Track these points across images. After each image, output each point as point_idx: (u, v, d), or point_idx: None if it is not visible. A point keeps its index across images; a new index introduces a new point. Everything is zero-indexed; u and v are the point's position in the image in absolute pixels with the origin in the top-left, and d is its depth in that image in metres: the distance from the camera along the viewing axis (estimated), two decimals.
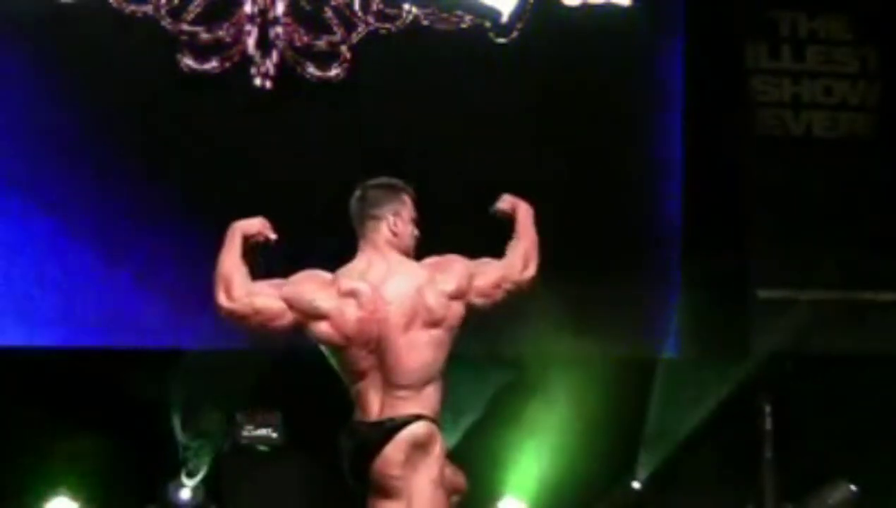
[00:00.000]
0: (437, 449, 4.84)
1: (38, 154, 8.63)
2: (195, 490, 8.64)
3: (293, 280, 4.94)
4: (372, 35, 9.09)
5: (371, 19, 9.10)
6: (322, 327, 4.88)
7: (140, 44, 8.84)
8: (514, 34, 9.22)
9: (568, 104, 9.22)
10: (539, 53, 9.25)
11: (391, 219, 5.02)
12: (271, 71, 8.90)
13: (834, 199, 9.59)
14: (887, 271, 9.48)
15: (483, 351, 7.92)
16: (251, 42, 8.90)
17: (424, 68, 9.13)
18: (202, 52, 8.88)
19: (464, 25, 9.20)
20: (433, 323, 4.88)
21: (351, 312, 4.85)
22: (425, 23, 9.16)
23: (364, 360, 4.86)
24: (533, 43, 9.23)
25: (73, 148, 8.65)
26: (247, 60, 8.90)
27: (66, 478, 8.49)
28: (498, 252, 5.20)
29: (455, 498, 5.06)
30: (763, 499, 8.84)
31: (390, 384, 4.84)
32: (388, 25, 9.12)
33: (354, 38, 9.06)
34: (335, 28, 9.05)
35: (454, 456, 5.09)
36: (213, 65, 8.88)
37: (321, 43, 9.01)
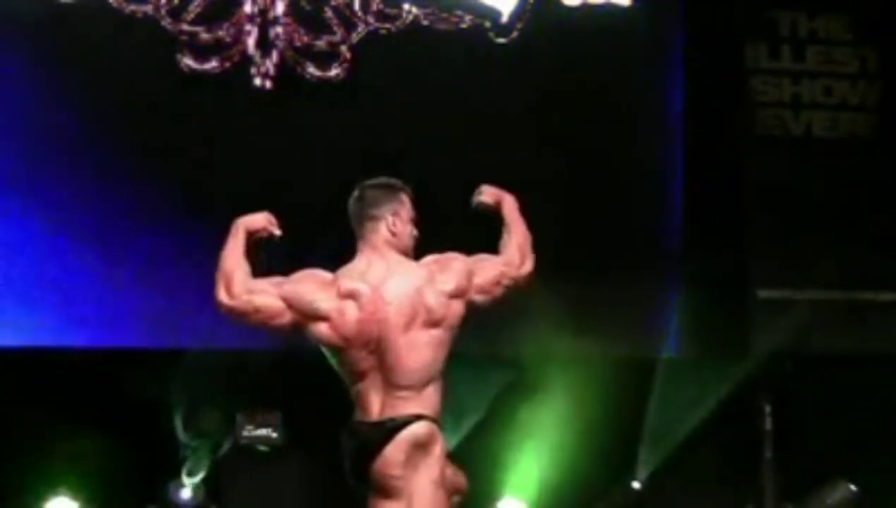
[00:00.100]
0: (438, 449, 4.84)
1: (38, 154, 8.62)
2: (195, 489, 8.64)
3: (294, 279, 4.94)
4: (372, 35, 9.09)
5: (371, 19, 9.10)
6: (322, 328, 4.88)
7: (140, 44, 8.83)
8: (514, 34, 9.21)
9: (568, 104, 9.22)
10: (539, 53, 9.25)
11: (390, 219, 5.02)
12: (271, 71, 8.90)
13: (834, 199, 9.59)
14: (887, 271, 9.48)
15: (483, 351, 7.92)
16: (251, 42, 8.90)
17: (424, 68, 9.13)
18: (202, 52, 8.87)
19: (464, 25, 9.20)
20: (433, 323, 4.88)
21: (351, 313, 4.85)
22: (425, 23, 9.16)
23: (364, 361, 4.86)
24: (533, 43, 9.23)
25: (73, 148, 8.65)
26: (247, 60, 8.90)
27: (66, 478, 8.49)
28: (498, 252, 5.20)
29: (456, 499, 5.06)
30: (763, 499, 8.84)
31: (391, 384, 4.84)
32: (388, 25, 9.12)
33: (354, 38, 9.06)
34: (335, 28, 9.05)
35: (454, 456, 5.09)
36: (213, 65, 8.88)
37: (321, 43, 9.01)
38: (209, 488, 8.70)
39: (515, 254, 5.16)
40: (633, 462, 9.17)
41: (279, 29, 8.94)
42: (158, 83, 8.83)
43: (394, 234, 5.01)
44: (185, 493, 8.63)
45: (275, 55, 8.92)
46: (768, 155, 9.69)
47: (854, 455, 8.97)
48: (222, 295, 4.89)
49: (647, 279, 9.17)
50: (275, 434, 8.79)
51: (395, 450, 4.77)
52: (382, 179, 5.12)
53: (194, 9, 8.88)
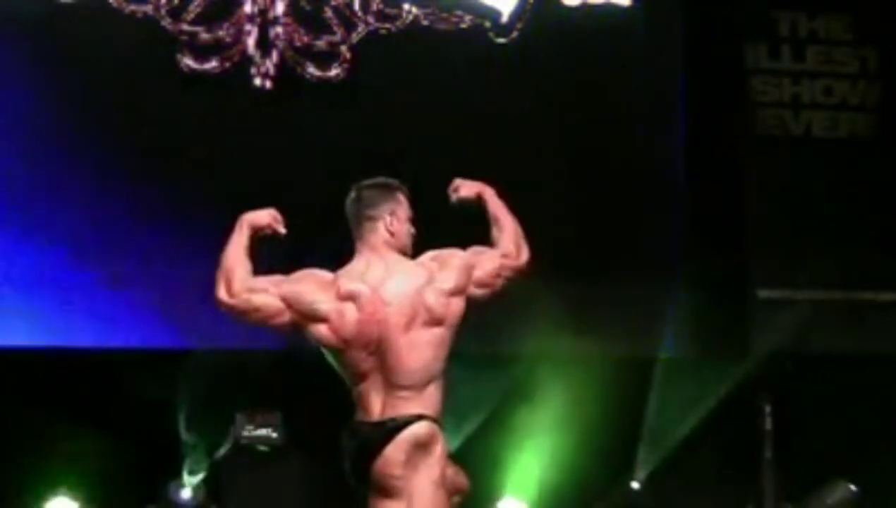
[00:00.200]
0: (439, 450, 4.83)
1: (38, 153, 8.62)
2: (196, 489, 8.64)
3: (294, 278, 4.93)
4: (372, 35, 9.09)
5: (371, 19, 9.10)
6: (321, 329, 4.88)
7: (140, 44, 8.84)
8: (514, 34, 9.22)
9: (568, 104, 9.23)
10: (539, 53, 9.25)
11: (388, 218, 5.01)
12: (271, 71, 8.90)
13: (834, 199, 9.59)
14: (887, 271, 9.48)
15: (483, 351, 7.91)
16: (251, 42, 8.90)
17: (424, 68, 9.14)
18: (202, 52, 8.88)
19: (464, 25, 9.20)
20: (434, 322, 4.87)
21: (350, 315, 4.85)
22: (425, 23, 9.16)
23: (364, 362, 4.86)
24: (533, 43, 9.23)
25: (73, 147, 8.65)
26: (247, 60, 8.90)
27: (66, 478, 8.49)
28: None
29: (456, 499, 5.07)
30: (763, 499, 8.83)
31: (392, 385, 4.84)
32: (388, 25, 9.12)
33: (354, 38, 9.06)
34: (335, 28, 9.05)
35: (454, 456, 5.08)
36: (213, 65, 8.88)
37: (321, 43, 9.02)
38: (209, 488, 8.70)
39: (510, 243, 5.14)
40: (632, 461, 9.16)
41: (279, 29, 8.94)
42: (158, 83, 8.84)
43: (392, 234, 5.01)
44: (186, 493, 8.62)
45: (275, 55, 8.92)
46: (768, 155, 9.69)
47: (854, 455, 8.96)
48: (222, 294, 4.89)
49: (647, 279, 9.17)
50: (275, 434, 8.79)
51: (395, 450, 4.77)
52: (379, 179, 5.12)
53: (194, 9, 8.89)
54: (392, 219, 5.01)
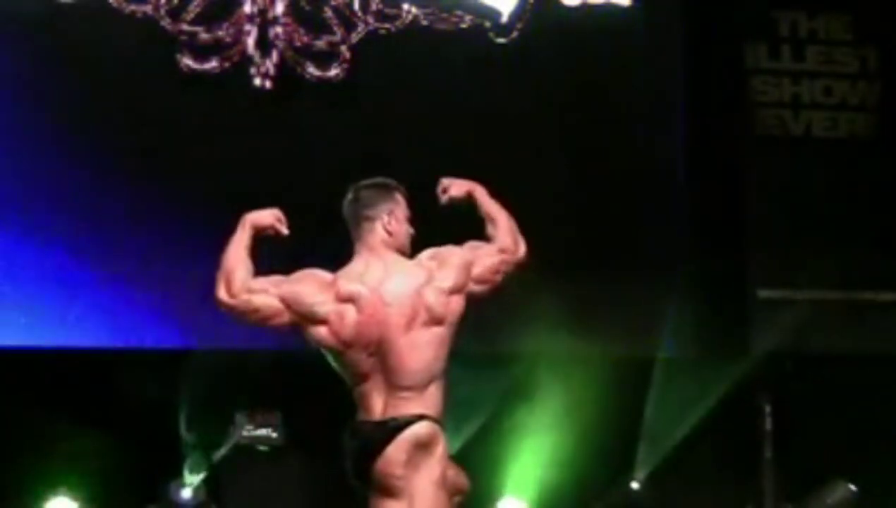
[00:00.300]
0: (440, 450, 4.84)
1: (38, 153, 8.62)
2: (196, 489, 8.63)
3: (293, 278, 4.93)
4: (372, 35, 9.09)
5: (371, 19, 9.10)
6: (321, 331, 4.88)
7: (140, 44, 8.83)
8: (514, 34, 9.22)
9: (568, 104, 9.23)
10: (539, 53, 9.25)
11: (386, 218, 5.01)
12: (271, 71, 8.90)
13: (834, 199, 9.59)
14: (887, 271, 9.48)
15: (483, 351, 7.92)
16: (251, 42, 8.90)
17: (424, 68, 9.13)
18: (202, 52, 8.87)
19: (464, 25, 9.20)
20: (434, 322, 4.88)
21: (350, 317, 4.85)
22: (425, 23, 9.16)
23: (365, 363, 4.86)
24: (533, 43, 9.23)
25: (72, 147, 8.64)
26: (246, 60, 8.90)
27: (66, 478, 8.48)
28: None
29: (457, 499, 5.06)
30: (763, 499, 8.83)
31: (393, 386, 4.84)
32: (387, 25, 9.12)
33: (354, 38, 9.06)
34: (335, 28, 9.05)
35: (453, 456, 5.08)
36: (212, 65, 8.88)
37: (321, 43, 9.01)
38: (209, 488, 8.69)
39: (507, 238, 5.13)
40: (632, 461, 9.16)
41: (279, 29, 8.94)
42: (158, 83, 8.83)
43: (390, 234, 5.01)
44: (186, 493, 8.61)
45: (274, 55, 8.92)
46: (768, 155, 9.69)
47: (854, 455, 8.96)
48: (222, 294, 4.89)
49: (646, 278, 9.16)
50: (275, 434, 8.78)
51: (396, 450, 4.77)
52: (376, 179, 5.12)
53: (194, 9, 8.88)
54: (390, 218, 5.01)
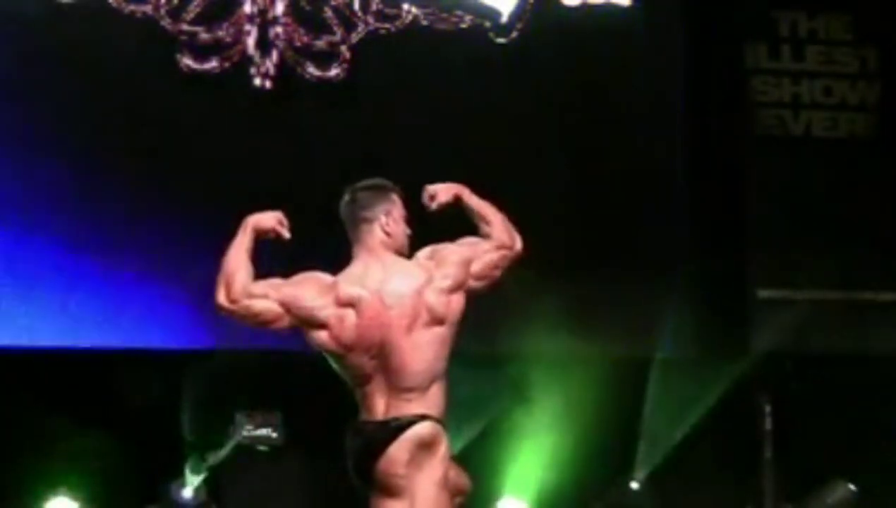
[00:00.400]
0: (442, 450, 4.84)
1: (38, 154, 8.62)
2: (196, 489, 8.63)
3: (293, 282, 4.93)
4: (372, 35, 9.09)
5: (371, 19, 9.10)
6: (321, 335, 4.88)
7: (140, 44, 8.83)
8: (514, 34, 9.21)
9: (568, 104, 9.23)
10: (539, 53, 9.25)
11: (383, 219, 5.02)
12: (271, 71, 8.90)
13: (834, 199, 9.59)
14: (887, 271, 9.48)
15: (482, 351, 7.91)
16: (251, 42, 8.90)
17: (424, 68, 9.13)
18: (202, 52, 8.87)
19: (464, 25, 9.20)
20: (435, 322, 4.88)
21: (350, 321, 4.85)
22: (425, 23, 9.16)
23: (366, 365, 4.86)
24: (533, 43, 9.23)
25: (72, 147, 8.64)
26: (246, 60, 8.90)
27: (66, 478, 8.48)
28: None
29: (458, 499, 5.07)
30: (763, 499, 8.83)
31: (395, 387, 4.84)
32: (387, 25, 9.12)
33: (354, 38, 9.06)
34: (335, 28, 9.05)
35: (454, 457, 5.09)
36: (212, 65, 8.88)
37: (321, 43, 9.01)
38: (209, 488, 8.69)
39: (503, 234, 5.14)
40: (632, 461, 9.16)
41: (279, 29, 8.94)
42: (158, 83, 8.83)
43: (388, 235, 5.01)
44: (186, 493, 8.61)
45: (274, 55, 8.92)
46: (768, 155, 9.69)
47: (854, 455, 8.96)
48: (221, 298, 4.87)
49: (646, 279, 9.16)
50: (275, 434, 8.77)
51: (398, 450, 4.78)
52: (372, 181, 5.12)
53: (194, 9, 8.88)
54: (388, 219, 5.02)
